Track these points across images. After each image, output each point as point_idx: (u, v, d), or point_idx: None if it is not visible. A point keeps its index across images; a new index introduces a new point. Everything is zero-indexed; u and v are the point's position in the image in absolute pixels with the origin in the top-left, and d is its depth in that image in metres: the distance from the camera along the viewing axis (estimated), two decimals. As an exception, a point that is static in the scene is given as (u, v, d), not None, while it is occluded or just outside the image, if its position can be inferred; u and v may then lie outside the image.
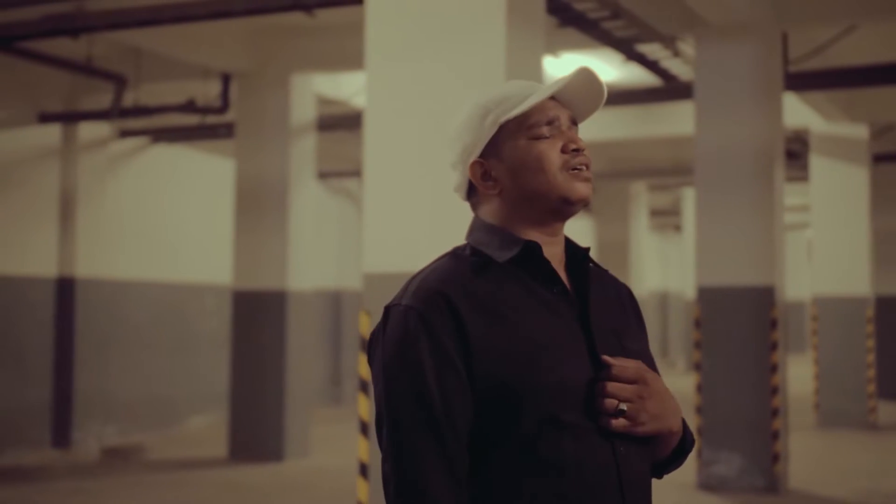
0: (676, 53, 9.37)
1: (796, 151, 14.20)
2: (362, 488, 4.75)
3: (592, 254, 1.95)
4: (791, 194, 19.62)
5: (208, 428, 12.85)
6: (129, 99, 10.85)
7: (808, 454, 10.72)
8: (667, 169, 16.95)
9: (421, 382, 1.79)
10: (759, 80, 8.72)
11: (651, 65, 9.60)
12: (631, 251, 19.70)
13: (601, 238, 19.91)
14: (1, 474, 9.61)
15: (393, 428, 1.81)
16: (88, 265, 11.36)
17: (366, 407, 4.83)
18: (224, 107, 10.60)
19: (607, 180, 18.33)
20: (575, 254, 1.98)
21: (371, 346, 1.91)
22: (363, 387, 4.86)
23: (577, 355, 1.86)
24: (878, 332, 13.92)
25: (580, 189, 1.90)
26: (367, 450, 4.78)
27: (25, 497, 8.68)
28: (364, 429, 4.84)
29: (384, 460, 1.84)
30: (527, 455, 1.80)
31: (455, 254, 1.95)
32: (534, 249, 1.90)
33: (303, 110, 10.47)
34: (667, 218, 25.27)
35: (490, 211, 1.96)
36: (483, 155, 1.94)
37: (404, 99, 4.86)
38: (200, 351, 13.28)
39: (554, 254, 1.94)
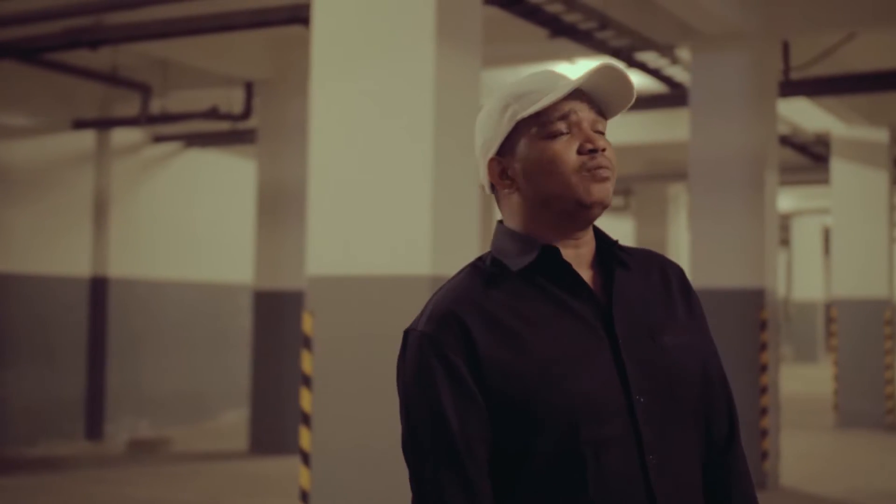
0: (675, 61, 9.59)
1: (819, 154, 14.31)
2: (304, 475, 5.13)
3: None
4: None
5: (238, 423, 13.30)
6: (157, 106, 11.37)
7: (817, 453, 10.92)
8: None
9: (438, 412, 1.74)
10: (752, 87, 8.91)
11: (653, 72, 9.84)
12: (669, 252, 19.87)
13: (640, 239, 20.09)
14: (33, 464, 10.15)
15: (414, 459, 1.78)
16: (121, 265, 11.89)
17: (308, 400, 5.21)
18: (247, 113, 11.04)
19: (645, 182, 18.53)
20: (606, 247, 1.88)
21: (397, 372, 1.85)
22: (305, 382, 5.23)
23: (599, 364, 1.76)
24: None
25: (595, 191, 1.78)
26: (308, 439, 5.16)
27: (52, 485, 9.18)
28: (306, 420, 5.21)
29: (412, 492, 1.79)
30: (548, 473, 1.73)
31: (475, 265, 1.87)
32: (552, 254, 1.80)
33: (321, 117, 10.83)
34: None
35: (510, 210, 1.87)
36: (500, 152, 1.84)
37: (345, 111, 5.25)
38: (232, 349, 13.74)
39: (580, 255, 1.84)
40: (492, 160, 1.85)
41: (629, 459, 1.73)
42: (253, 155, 13.36)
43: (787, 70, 9.72)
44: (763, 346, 8.68)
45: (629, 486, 1.72)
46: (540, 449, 1.72)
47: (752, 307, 8.73)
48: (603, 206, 1.80)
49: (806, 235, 26.81)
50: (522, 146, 1.81)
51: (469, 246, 5.11)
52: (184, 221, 13.20)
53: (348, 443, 5.02)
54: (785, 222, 27.00)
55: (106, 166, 11.88)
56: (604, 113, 1.85)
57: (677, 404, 1.80)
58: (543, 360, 1.73)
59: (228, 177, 13.97)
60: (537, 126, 1.80)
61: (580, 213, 1.80)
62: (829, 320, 13.38)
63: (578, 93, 1.81)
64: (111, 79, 10.51)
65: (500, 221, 1.90)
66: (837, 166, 13.33)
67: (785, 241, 28.96)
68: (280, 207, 10.81)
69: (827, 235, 29.97)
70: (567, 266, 1.80)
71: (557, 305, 1.79)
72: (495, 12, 8.00)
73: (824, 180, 15.75)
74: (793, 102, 11.55)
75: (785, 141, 13.43)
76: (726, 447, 1.92)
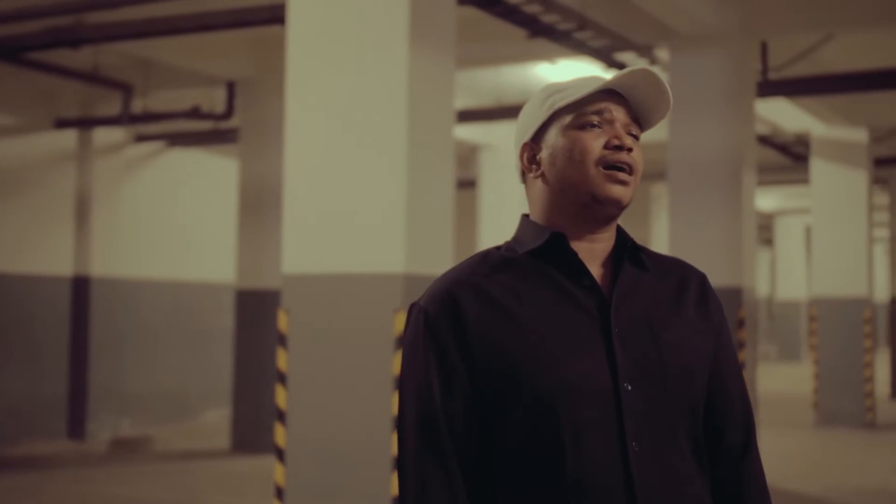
0: (653, 62, 9.65)
1: (800, 154, 14.40)
2: (279, 472, 5.18)
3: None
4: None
5: (220, 422, 13.31)
6: (139, 106, 11.39)
7: (796, 451, 10.98)
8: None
9: (425, 388, 1.80)
10: (729, 88, 8.97)
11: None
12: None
13: (624, 239, 20.24)
14: (14, 463, 10.15)
15: (400, 431, 1.83)
16: (103, 264, 11.89)
17: (283, 397, 5.25)
18: (229, 113, 11.07)
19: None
20: (624, 247, 1.90)
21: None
22: (281, 379, 5.28)
23: (590, 351, 1.78)
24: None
25: (611, 190, 1.82)
26: (283, 436, 5.20)
27: (34, 484, 9.19)
28: (281, 416, 5.25)
29: (397, 464, 1.85)
30: (529, 453, 1.76)
31: (488, 250, 1.93)
32: (559, 240, 1.85)
33: (302, 116, 10.87)
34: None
35: (533, 198, 1.93)
36: (534, 138, 1.91)
37: (319, 111, 5.28)
38: (215, 348, 13.74)
39: (594, 249, 1.88)
40: (525, 144, 1.93)
41: (609, 445, 1.74)
42: (235, 154, 13.39)
43: (765, 70, 9.79)
44: (741, 345, 8.74)
45: (608, 471, 1.73)
46: (522, 428, 1.75)
47: (731, 306, 8.77)
48: (619, 206, 1.84)
49: (789, 235, 26.94)
50: (554, 134, 1.88)
51: (443, 245, 5.15)
52: (166, 221, 13.21)
53: (323, 439, 5.06)
54: (768, 222, 27.12)
55: (88, 166, 11.89)
56: (641, 123, 1.91)
57: (671, 398, 1.80)
58: (533, 342, 1.77)
59: (210, 176, 13.98)
60: (572, 117, 1.87)
61: (595, 208, 1.84)
62: (812, 319, 13.46)
63: (618, 97, 1.88)
64: (93, 78, 10.53)
65: (526, 215, 1.95)
66: (817, 166, 13.43)
67: (768, 241, 29.09)
68: (262, 207, 10.83)
69: (810, 235, 30.10)
70: (572, 254, 1.84)
71: (558, 292, 1.82)
72: (474, 12, 8.04)
73: (805, 180, 15.85)
74: (772, 103, 11.62)
75: (765, 141, 13.51)
76: (741, 456, 1.92)
